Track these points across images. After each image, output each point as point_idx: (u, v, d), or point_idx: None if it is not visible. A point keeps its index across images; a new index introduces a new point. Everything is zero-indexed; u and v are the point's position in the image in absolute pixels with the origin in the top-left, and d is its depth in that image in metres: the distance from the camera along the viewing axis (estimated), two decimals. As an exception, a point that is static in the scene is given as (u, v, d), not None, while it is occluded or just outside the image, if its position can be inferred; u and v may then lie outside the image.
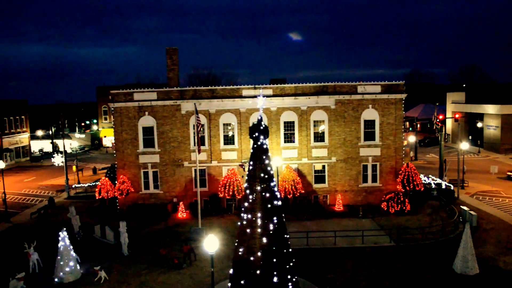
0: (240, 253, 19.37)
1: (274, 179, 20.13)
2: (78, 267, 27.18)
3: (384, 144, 41.17)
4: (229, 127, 41.62)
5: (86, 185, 51.33)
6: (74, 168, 57.42)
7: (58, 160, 58.14)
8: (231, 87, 41.55)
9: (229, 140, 41.61)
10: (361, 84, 40.94)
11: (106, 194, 40.01)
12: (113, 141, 45.67)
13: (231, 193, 38.23)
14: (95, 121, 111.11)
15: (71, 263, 26.56)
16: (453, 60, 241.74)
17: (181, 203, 39.80)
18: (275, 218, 19.25)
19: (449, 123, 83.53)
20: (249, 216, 19.17)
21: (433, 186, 44.75)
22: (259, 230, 18.95)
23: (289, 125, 41.18)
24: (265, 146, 19.62)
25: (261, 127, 19.59)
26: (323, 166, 41.47)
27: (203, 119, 40.81)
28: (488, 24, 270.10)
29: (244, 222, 19.32)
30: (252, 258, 18.96)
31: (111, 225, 34.03)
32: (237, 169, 39.70)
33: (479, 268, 26.16)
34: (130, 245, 30.84)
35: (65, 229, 27.21)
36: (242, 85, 42.28)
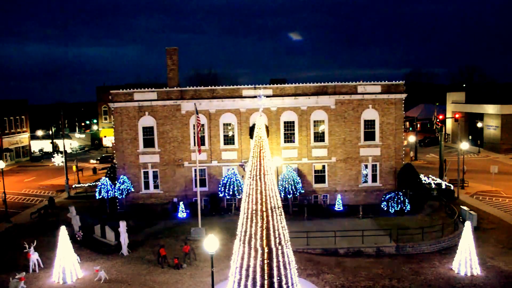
0: (240, 253, 19.38)
1: (274, 179, 20.13)
2: (78, 267, 27.19)
3: (384, 144, 41.18)
4: (229, 127, 41.63)
5: (86, 185, 51.34)
6: (74, 168, 57.47)
7: (58, 160, 58.19)
8: (231, 87, 41.56)
9: (229, 140, 41.62)
10: (361, 84, 40.96)
11: (106, 194, 40.01)
12: (113, 141, 45.68)
13: (231, 193, 38.27)
14: (95, 121, 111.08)
15: (71, 263, 26.57)
16: (453, 60, 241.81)
17: (181, 203, 39.82)
18: (275, 218, 19.26)
19: (449, 123, 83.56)
20: (249, 216, 19.18)
21: (433, 186, 44.75)
22: (259, 230, 18.97)
23: (289, 125, 41.19)
24: (264, 146, 19.62)
25: (261, 127, 19.59)
26: (323, 166, 41.48)
27: (203, 119, 40.82)
28: (489, 24, 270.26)
29: (244, 222, 19.34)
30: (252, 259, 18.98)
31: (111, 225, 34.04)
32: (237, 169, 39.74)
33: (479, 268, 26.20)
34: (130, 245, 30.85)
35: (65, 228, 27.22)
36: (242, 85, 42.30)
